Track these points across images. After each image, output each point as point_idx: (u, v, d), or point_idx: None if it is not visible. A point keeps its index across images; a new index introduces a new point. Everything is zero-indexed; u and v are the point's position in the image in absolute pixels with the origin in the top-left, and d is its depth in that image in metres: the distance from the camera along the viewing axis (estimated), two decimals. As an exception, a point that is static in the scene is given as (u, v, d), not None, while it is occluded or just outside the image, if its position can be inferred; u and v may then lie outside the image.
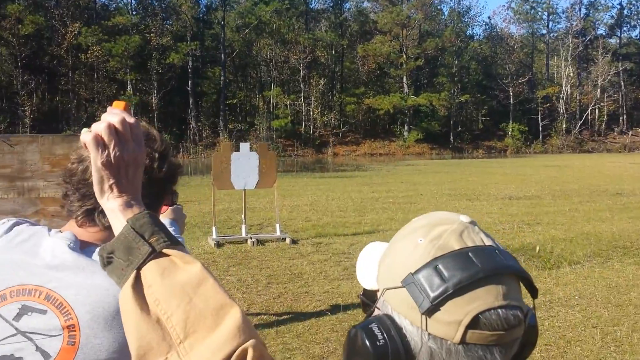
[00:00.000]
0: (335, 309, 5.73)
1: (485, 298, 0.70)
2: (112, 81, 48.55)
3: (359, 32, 60.85)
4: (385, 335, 0.72)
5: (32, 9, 45.89)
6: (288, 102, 53.66)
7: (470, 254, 0.72)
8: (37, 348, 1.03)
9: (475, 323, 0.69)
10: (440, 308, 0.70)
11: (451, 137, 56.61)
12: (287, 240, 9.16)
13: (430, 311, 0.70)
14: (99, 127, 0.82)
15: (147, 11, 54.22)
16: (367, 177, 24.90)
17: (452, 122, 56.80)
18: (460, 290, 0.69)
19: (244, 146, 9.18)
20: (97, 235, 1.15)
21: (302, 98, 53.95)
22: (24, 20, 43.89)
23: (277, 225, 9.41)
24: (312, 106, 53.74)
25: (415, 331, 0.72)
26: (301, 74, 54.29)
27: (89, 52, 45.89)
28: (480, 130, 60.29)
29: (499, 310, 0.70)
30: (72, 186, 1.14)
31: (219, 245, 8.88)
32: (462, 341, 0.70)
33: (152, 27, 50.29)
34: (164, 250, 0.77)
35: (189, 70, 51.41)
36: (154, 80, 49.13)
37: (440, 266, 0.71)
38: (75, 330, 1.04)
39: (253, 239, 9.05)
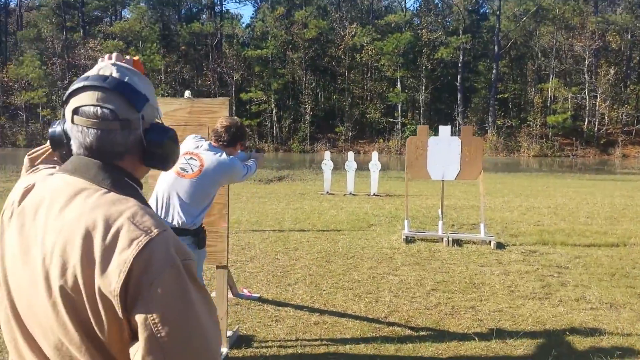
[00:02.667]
0: (490, 334, 4.29)
1: (84, 99, 1.14)
2: (382, 79, 50.37)
3: (665, 11, 50.94)
4: None
5: (316, 14, 50.50)
6: (569, 95, 48.03)
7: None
8: (190, 166, 3.28)
9: (76, 112, 1.14)
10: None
11: None
12: (492, 244, 7.63)
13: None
14: (112, 55, 1.30)
15: (421, 7, 54.70)
16: (652, 181, 20.39)
17: None
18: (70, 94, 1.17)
19: (444, 130, 7.95)
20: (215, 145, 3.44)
21: (587, 90, 47.70)
22: (309, 25, 48.56)
23: (482, 226, 7.93)
24: (598, 99, 47.11)
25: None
26: (586, 62, 48.04)
27: (363, 51, 48.39)
28: None
29: (92, 107, 1.13)
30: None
31: (408, 241, 7.87)
32: (72, 122, 1.15)
33: (424, 23, 50.56)
34: None
35: (459, 65, 50.16)
36: (422, 77, 49.32)
37: None
38: (202, 166, 3.29)
39: (449, 238, 7.78)
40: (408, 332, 4.41)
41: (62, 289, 1.03)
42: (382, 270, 6.28)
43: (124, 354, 1.05)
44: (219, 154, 3.36)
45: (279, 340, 4.17)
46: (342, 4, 52.76)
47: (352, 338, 4.24)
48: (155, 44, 50.05)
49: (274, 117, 49.75)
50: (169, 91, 50.24)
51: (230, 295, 5.15)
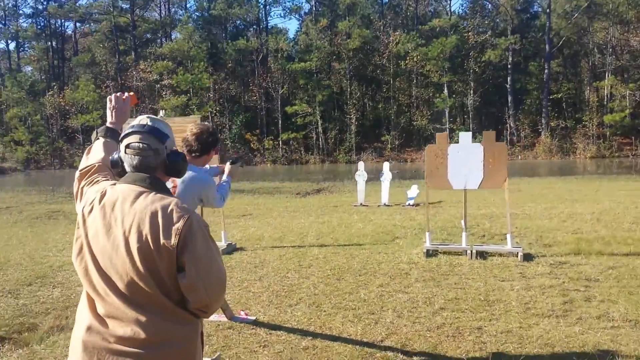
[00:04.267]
0: (494, 359, 3.94)
1: (131, 139, 1.98)
2: (428, 85, 49.56)
3: None
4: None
5: (359, 24, 50.36)
6: (626, 92, 45.71)
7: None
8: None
9: (128, 146, 1.98)
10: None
11: None
12: (519, 256, 7.18)
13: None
14: (112, 97, 2.36)
15: (467, 10, 53.64)
16: None
17: None
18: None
19: (465, 136, 7.57)
20: (194, 161, 3.38)
21: (647, 86, 45.29)
22: (352, 35, 48.44)
23: (509, 236, 7.47)
24: (660, 95, 44.66)
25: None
26: (645, 57, 45.68)
27: (407, 58, 47.80)
28: None
29: (137, 143, 1.97)
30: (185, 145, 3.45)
31: (429, 254, 7.52)
32: (125, 152, 1.99)
33: (470, 26, 49.50)
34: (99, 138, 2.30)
35: (509, 67, 48.74)
36: (470, 81, 48.20)
37: None
38: (174, 187, 3.20)
39: (473, 251, 7.38)
40: (401, 357, 4.11)
41: (139, 248, 1.82)
42: (392, 288, 5.98)
43: (173, 279, 1.85)
44: (191, 171, 3.23)
45: (260, 368, 3.98)
46: (386, 12, 52.38)
47: (338, 365, 4.00)
48: (203, 63, 51.22)
49: (320, 129, 49.79)
50: (217, 108, 51.27)
51: (224, 318, 5.00)
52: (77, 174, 2.18)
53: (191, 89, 50.35)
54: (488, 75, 49.19)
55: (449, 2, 54.17)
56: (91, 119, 49.56)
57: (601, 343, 4.23)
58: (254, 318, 5.06)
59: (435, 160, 7.62)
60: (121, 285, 1.84)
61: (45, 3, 60.92)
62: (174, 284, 1.85)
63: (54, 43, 61.78)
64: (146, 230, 1.82)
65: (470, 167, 7.48)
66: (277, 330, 4.73)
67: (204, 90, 51.41)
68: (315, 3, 55.48)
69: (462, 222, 7.82)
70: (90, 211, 1.93)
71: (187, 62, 52.07)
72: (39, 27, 62.45)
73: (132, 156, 1.97)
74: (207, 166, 3.74)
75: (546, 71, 48.32)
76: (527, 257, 7.25)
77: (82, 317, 1.92)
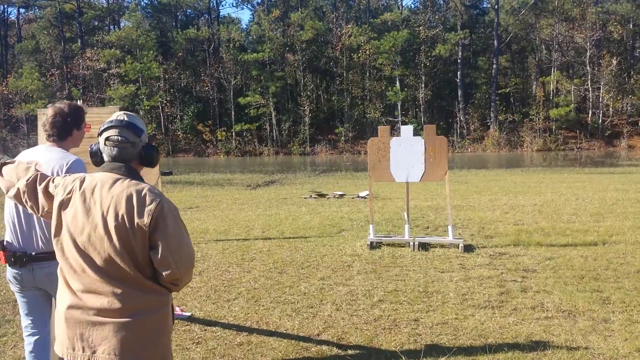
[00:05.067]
0: (422, 352, 3.93)
1: (111, 132, 2.22)
2: (381, 78, 49.97)
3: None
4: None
5: (312, 15, 50.20)
6: (571, 88, 47.38)
7: None
8: None
9: (107, 139, 2.23)
10: None
11: None
12: (460, 247, 7.27)
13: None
14: None
15: (418, 5, 54.27)
16: (652, 173, 19.86)
17: None
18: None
19: (406, 129, 7.59)
20: (60, 145, 3.07)
21: (589, 82, 47.04)
22: (305, 26, 48.25)
23: (450, 228, 7.55)
24: (601, 91, 46.49)
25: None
26: (588, 54, 47.42)
27: (360, 51, 48.01)
28: None
29: (115, 136, 2.22)
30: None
31: (373, 247, 7.52)
32: (105, 144, 2.24)
33: (421, 20, 50.10)
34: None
35: (458, 61, 49.64)
36: (422, 74, 48.86)
37: None
38: None
39: (416, 242, 7.42)
40: (336, 351, 4.06)
41: (116, 226, 2.05)
42: (333, 281, 5.94)
43: (146, 256, 2.09)
44: (56, 153, 2.95)
45: (191, 366, 3.85)
46: (338, 4, 52.41)
47: (271, 361, 3.91)
48: (152, 51, 49.96)
49: (273, 121, 49.49)
50: (168, 98, 50.16)
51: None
52: (22, 186, 2.38)
53: (140, 78, 49.09)
54: (439, 70, 50.00)
55: (401, -5, 54.74)
56: (35, 107, 47.52)
57: (534, 334, 4.30)
58: (189, 314, 4.91)
59: (377, 153, 7.62)
60: (99, 261, 2.08)
61: (-15, -13, 58.04)
62: (145, 260, 2.10)
63: (-5, 29, 58.98)
64: (122, 211, 2.06)
65: (412, 160, 7.51)
66: (213, 327, 4.60)
67: (153, 79, 50.21)
68: (268, -7, 54.98)
69: (405, 214, 7.86)
70: (69, 197, 2.17)
71: (135, 51, 50.70)
72: (-21, 12, 59.52)
73: (111, 147, 2.22)
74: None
75: (494, 66, 49.50)
76: (468, 249, 7.35)
77: (62, 296, 2.16)
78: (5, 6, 59.40)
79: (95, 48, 51.12)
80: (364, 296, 5.35)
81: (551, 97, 48.21)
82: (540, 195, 13.56)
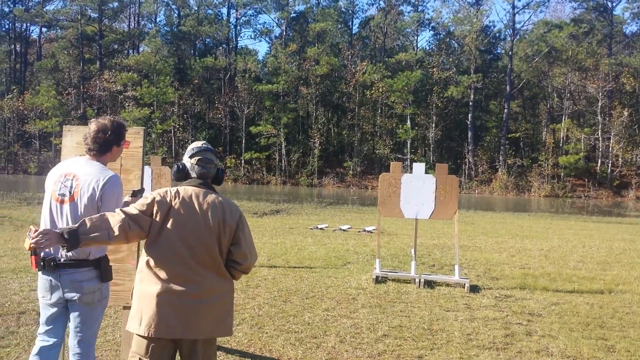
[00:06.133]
0: (427, 391, 3.90)
1: (205, 154, 2.96)
2: (392, 116, 50.40)
3: (679, 54, 50.58)
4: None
5: (328, 51, 51.02)
6: (582, 136, 47.47)
7: None
8: (67, 188, 3.01)
9: (199, 160, 2.92)
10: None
11: None
12: (465, 287, 7.24)
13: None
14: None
15: (432, 47, 55.05)
16: (661, 225, 19.73)
17: None
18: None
19: (418, 167, 7.66)
20: (98, 159, 3.20)
21: (600, 131, 47.14)
22: (320, 61, 48.98)
23: (456, 267, 7.54)
24: (611, 141, 46.51)
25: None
26: (600, 104, 47.62)
27: (373, 88, 48.56)
28: None
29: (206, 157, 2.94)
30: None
31: (378, 281, 7.51)
32: (196, 164, 2.91)
33: (435, 62, 50.74)
34: None
35: (470, 104, 50.05)
36: (432, 114, 49.24)
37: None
38: (77, 186, 2.99)
39: (421, 279, 7.41)
40: (338, 383, 4.04)
41: (212, 226, 2.71)
42: (338, 312, 5.92)
43: (227, 250, 2.76)
44: (95, 167, 3.04)
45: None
46: (354, 42, 53.26)
47: (273, 388, 3.90)
48: (169, 77, 50.77)
49: (283, 151, 49.81)
50: (181, 123, 50.73)
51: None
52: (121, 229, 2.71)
53: (155, 102, 49.75)
54: (450, 111, 50.39)
55: (416, 37, 55.57)
56: (50, 125, 48.20)
57: (537, 377, 4.26)
58: (192, 336, 4.90)
59: (388, 189, 7.68)
60: (199, 250, 2.69)
61: (11, 5, 59.54)
62: (225, 253, 2.76)
63: (17, 46, 60.23)
64: (218, 215, 2.73)
65: (422, 197, 7.55)
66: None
67: (168, 104, 50.87)
68: (285, 28, 55.97)
69: (412, 250, 7.86)
70: (172, 204, 2.71)
71: (152, 75, 51.53)
72: (3, 29, 60.81)
73: (202, 167, 2.87)
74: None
75: (506, 111, 49.81)
76: (474, 289, 7.32)
77: (150, 280, 2.67)
78: (28, 24, 60.85)
79: (113, 70, 52.01)
80: (368, 330, 5.33)
81: (561, 145, 48.30)
82: (547, 240, 13.50)
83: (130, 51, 58.67)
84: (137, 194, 3.27)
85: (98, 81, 51.15)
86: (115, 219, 2.65)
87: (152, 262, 2.70)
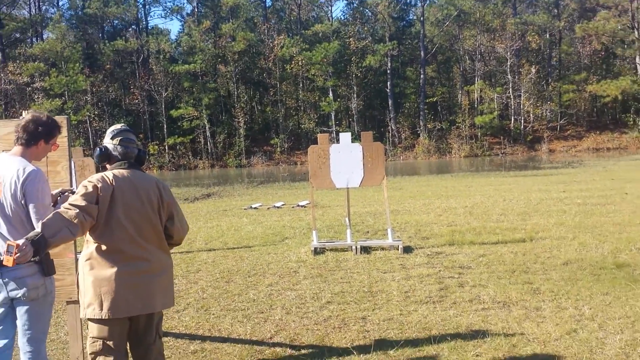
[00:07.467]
0: (372, 346, 4.14)
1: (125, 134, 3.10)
2: (314, 89, 50.60)
3: (578, 11, 53.72)
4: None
5: (243, 27, 50.20)
6: (494, 96, 49.72)
7: None
8: None
9: (121, 140, 3.04)
10: None
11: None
12: (399, 249, 7.58)
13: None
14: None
15: (348, 16, 55.42)
16: (570, 175, 21.21)
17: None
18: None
19: (345, 137, 7.87)
20: (24, 152, 3.08)
21: (511, 90, 49.52)
22: (237, 37, 48.17)
23: (389, 230, 7.87)
24: (522, 98, 49.01)
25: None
26: (509, 63, 49.91)
27: (292, 62, 48.43)
28: None
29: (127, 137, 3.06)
30: None
31: (317, 252, 7.71)
32: (119, 144, 3.01)
33: (351, 32, 51.17)
34: None
35: (388, 72, 51.03)
36: (353, 85, 49.85)
37: None
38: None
39: (358, 246, 7.68)
40: (289, 352, 4.20)
41: (153, 203, 2.92)
42: (281, 286, 6.07)
43: (163, 222, 2.98)
44: (15, 163, 2.93)
45: (147, 375, 3.86)
46: (270, 15, 52.69)
47: (227, 365, 4.00)
48: (78, 64, 48.28)
49: (208, 133, 48.95)
50: (96, 112, 48.59)
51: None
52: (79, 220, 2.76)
53: (66, 92, 47.29)
54: (369, 80, 51.22)
55: (330, 8, 55.71)
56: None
57: (473, 324, 4.60)
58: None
59: (318, 161, 7.84)
60: (145, 228, 2.87)
61: None
62: (164, 228, 2.97)
63: None
64: (155, 192, 2.92)
65: (351, 166, 7.78)
66: (164, 337, 4.60)
67: (80, 93, 48.51)
68: (197, 4, 54.39)
69: (346, 219, 8.11)
70: (114, 188, 2.81)
71: (60, 64, 48.81)
72: None
73: (125, 147, 2.95)
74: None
75: (422, 76, 51.26)
76: (407, 250, 7.68)
77: (105, 264, 2.78)
78: None
79: (17, 61, 48.76)
80: (312, 299, 5.52)
81: (476, 105, 50.38)
82: (470, 198, 14.23)
83: (34, 39, 55.19)
84: (65, 192, 3.23)
85: (2, 74, 47.85)
86: (69, 214, 2.64)
87: (104, 247, 2.80)
